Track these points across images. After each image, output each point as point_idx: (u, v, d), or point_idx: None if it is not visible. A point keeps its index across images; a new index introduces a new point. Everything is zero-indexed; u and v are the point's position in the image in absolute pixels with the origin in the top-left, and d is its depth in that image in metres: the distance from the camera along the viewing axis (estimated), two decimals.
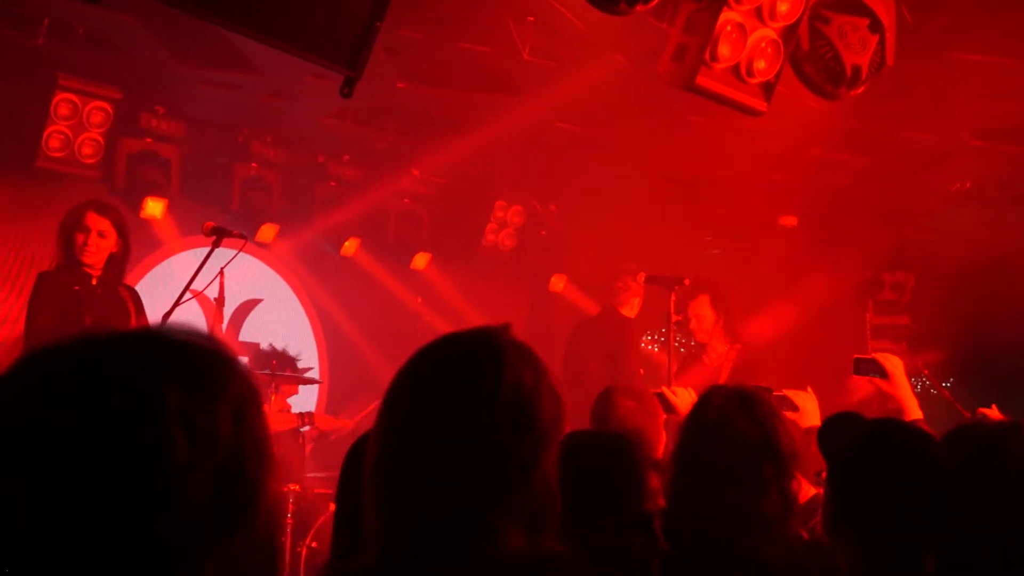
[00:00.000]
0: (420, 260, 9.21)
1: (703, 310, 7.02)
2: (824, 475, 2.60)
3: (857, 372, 4.47)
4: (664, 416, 4.30)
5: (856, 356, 4.54)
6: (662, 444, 4.09)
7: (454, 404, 1.75)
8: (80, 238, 5.69)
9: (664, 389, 4.84)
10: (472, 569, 1.69)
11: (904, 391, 4.31)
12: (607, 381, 6.13)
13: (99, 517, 1.14)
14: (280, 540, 6.37)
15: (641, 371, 7.74)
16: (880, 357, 4.43)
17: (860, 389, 6.42)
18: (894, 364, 4.37)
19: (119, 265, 5.90)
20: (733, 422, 2.84)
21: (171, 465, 1.16)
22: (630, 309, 7.87)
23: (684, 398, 4.75)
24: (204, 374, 1.23)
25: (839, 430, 2.56)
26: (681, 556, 2.68)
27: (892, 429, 2.77)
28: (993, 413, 4.46)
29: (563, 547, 1.76)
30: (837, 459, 2.58)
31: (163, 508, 1.16)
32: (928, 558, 2.45)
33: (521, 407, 1.75)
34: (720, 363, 7.02)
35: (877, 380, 4.38)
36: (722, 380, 6.86)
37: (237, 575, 1.24)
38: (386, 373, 1.94)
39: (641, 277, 7.30)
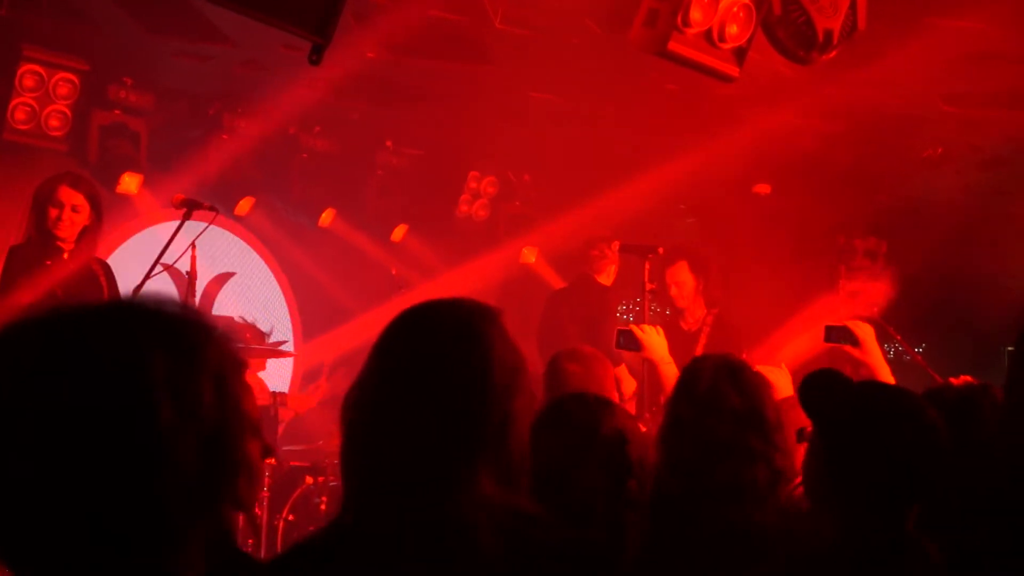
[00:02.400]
0: (397, 232, 9.18)
1: (682, 275, 7.04)
2: (808, 432, 2.59)
3: (829, 340, 4.51)
4: (614, 374, 4.31)
5: (828, 324, 4.57)
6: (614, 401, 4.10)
7: (436, 366, 1.87)
8: (53, 212, 5.62)
9: (632, 327, 4.87)
10: (448, 514, 1.77)
11: (876, 358, 4.34)
12: None
13: (94, 483, 1.16)
14: (257, 508, 6.36)
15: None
16: (851, 325, 4.46)
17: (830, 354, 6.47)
18: (865, 331, 4.40)
19: (91, 239, 5.84)
20: (723, 394, 2.84)
21: (160, 429, 1.17)
22: (606, 277, 7.85)
23: (651, 335, 4.77)
24: (185, 341, 1.24)
25: (824, 388, 2.55)
26: (673, 527, 2.68)
27: (878, 390, 2.78)
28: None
29: (534, 504, 1.83)
30: (820, 419, 2.56)
31: (155, 472, 1.17)
32: (911, 517, 2.46)
33: (501, 370, 1.88)
34: (698, 327, 7.04)
35: (848, 347, 4.41)
36: (700, 345, 6.89)
37: (222, 539, 1.28)
38: (362, 346, 2.05)
39: (615, 245, 7.29)
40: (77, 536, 1.16)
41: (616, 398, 4.13)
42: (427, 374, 1.87)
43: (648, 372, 5.44)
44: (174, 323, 1.25)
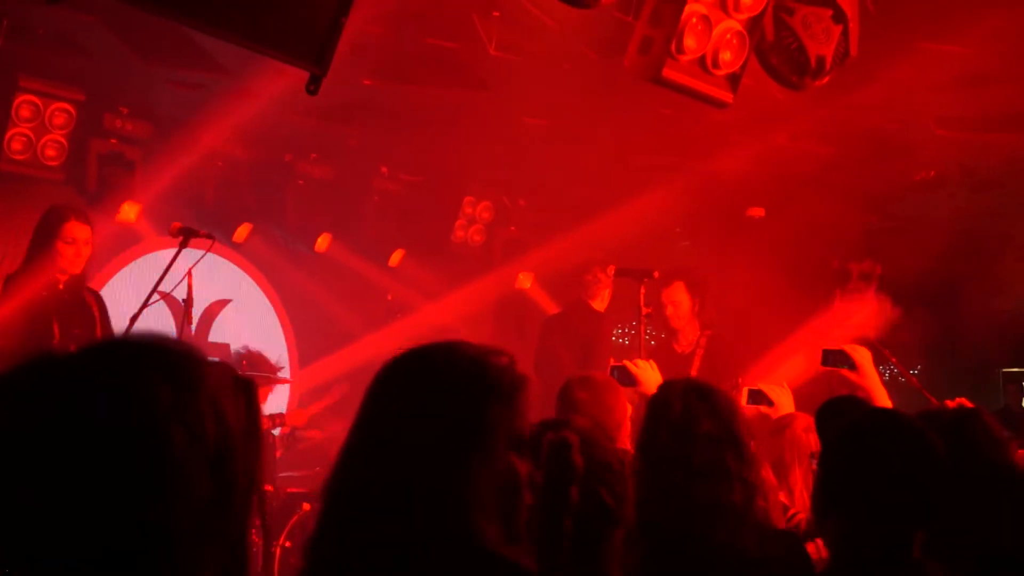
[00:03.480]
0: (395, 257, 9.19)
1: (679, 296, 7.04)
2: (817, 457, 2.62)
3: (826, 363, 4.51)
4: (627, 401, 4.30)
5: (825, 348, 4.57)
6: (625, 429, 4.10)
7: (433, 407, 1.82)
8: (63, 247, 5.67)
9: (626, 362, 4.87)
10: (445, 558, 1.73)
11: (873, 382, 4.35)
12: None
13: (113, 508, 1.19)
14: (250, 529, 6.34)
15: (612, 360, 7.72)
16: (849, 349, 4.47)
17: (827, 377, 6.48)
18: (862, 355, 4.41)
19: (87, 269, 5.87)
20: (696, 418, 2.87)
21: (174, 459, 1.22)
22: (600, 302, 7.86)
23: (646, 371, 4.78)
24: (185, 372, 1.29)
25: (839, 414, 2.58)
26: (657, 549, 2.69)
27: (887, 416, 2.79)
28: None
29: (527, 551, 1.81)
30: (832, 442, 2.59)
31: (172, 501, 1.22)
32: (916, 542, 2.47)
33: (484, 412, 1.83)
34: (691, 349, 7.04)
35: (846, 371, 4.42)
36: (694, 366, 6.90)
37: (227, 559, 1.30)
38: (358, 370, 2.03)
39: (611, 270, 7.31)
40: (96, 563, 1.19)
41: (628, 426, 4.13)
42: (423, 431, 1.81)
43: (642, 407, 5.44)
44: (173, 354, 1.31)
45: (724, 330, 7.26)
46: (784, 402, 4.70)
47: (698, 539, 2.73)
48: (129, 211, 7.43)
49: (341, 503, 1.82)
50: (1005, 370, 10.68)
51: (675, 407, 2.91)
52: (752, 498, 2.80)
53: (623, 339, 9.82)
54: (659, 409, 2.97)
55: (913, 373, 7.42)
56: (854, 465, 2.54)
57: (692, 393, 2.93)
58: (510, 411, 1.89)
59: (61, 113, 7.00)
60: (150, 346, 1.32)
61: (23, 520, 1.19)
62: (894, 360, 6.93)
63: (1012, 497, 2.78)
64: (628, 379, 4.74)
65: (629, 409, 5.57)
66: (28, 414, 1.22)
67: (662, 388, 3.08)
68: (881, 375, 4.74)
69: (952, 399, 4.48)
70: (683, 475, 2.79)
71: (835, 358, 4.46)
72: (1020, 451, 3.53)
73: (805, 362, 5.83)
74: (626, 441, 3.96)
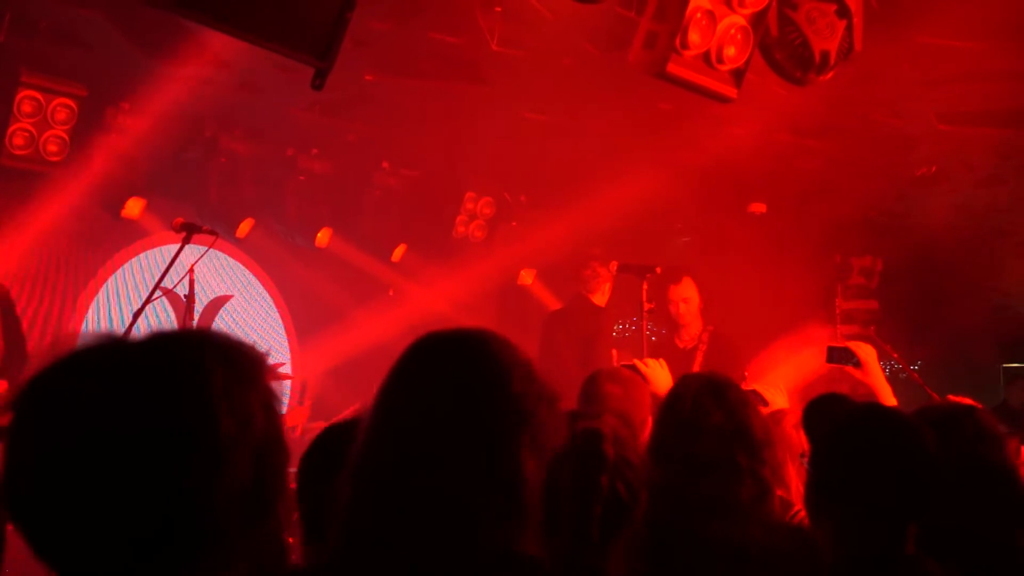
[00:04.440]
0: (397, 252, 9.19)
1: (688, 292, 7.01)
2: (807, 456, 2.62)
3: (831, 360, 4.51)
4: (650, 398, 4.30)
5: (830, 345, 4.58)
6: (648, 425, 4.10)
7: (448, 402, 1.75)
8: None
9: (636, 361, 4.86)
10: (455, 565, 1.68)
11: (877, 379, 4.35)
12: (581, 371, 6.12)
13: (159, 485, 1.23)
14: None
15: (615, 352, 7.71)
16: (853, 345, 4.48)
17: (830, 375, 6.50)
18: (867, 352, 4.41)
19: None
20: (707, 413, 2.86)
21: (221, 437, 1.27)
22: (600, 296, 7.84)
23: (656, 370, 4.77)
24: (241, 363, 1.35)
25: (825, 412, 2.58)
26: (661, 544, 2.69)
27: (877, 412, 2.80)
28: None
29: (540, 549, 1.74)
30: (822, 441, 2.60)
31: (216, 476, 1.26)
32: (910, 538, 2.48)
33: (514, 406, 1.75)
34: (693, 344, 7.04)
35: (850, 368, 4.43)
36: (696, 361, 6.89)
37: (263, 556, 1.33)
38: (359, 365, 1.95)
39: (613, 265, 7.30)
40: (137, 539, 1.23)
41: (650, 423, 4.13)
42: (438, 413, 1.74)
43: (653, 407, 5.43)
44: (234, 347, 1.37)
45: (726, 325, 7.26)
46: (779, 402, 4.70)
47: (704, 534, 2.73)
48: (134, 206, 7.44)
49: (382, 490, 1.74)
50: (1005, 365, 10.70)
51: (686, 401, 2.91)
52: (763, 494, 2.80)
53: (625, 334, 9.82)
54: (671, 404, 2.97)
55: (914, 368, 7.42)
56: (844, 463, 2.54)
57: (706, 389, 2.93)
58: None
59: (63, 108, 6.99)
60: (210, 336, 1.38)
61: (71, 492, 1.22)
62: (896, 356, 6.95)
63: (1002, 493, 2.79)
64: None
65: None
66: (90, 392, 1.26)
67: (679, 383, 3.07)
68: (883, 370, 4.74)
69: (952, 395, 4.49)
70: (692, 470, 2.79)
71: (840, 355, 4.46)
72: (1021, 447, 3.54)
73: (810, 360, 5.83)
74: (648, 438, 3.96)
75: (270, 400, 1.36)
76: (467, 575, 1.68)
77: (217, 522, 1.26)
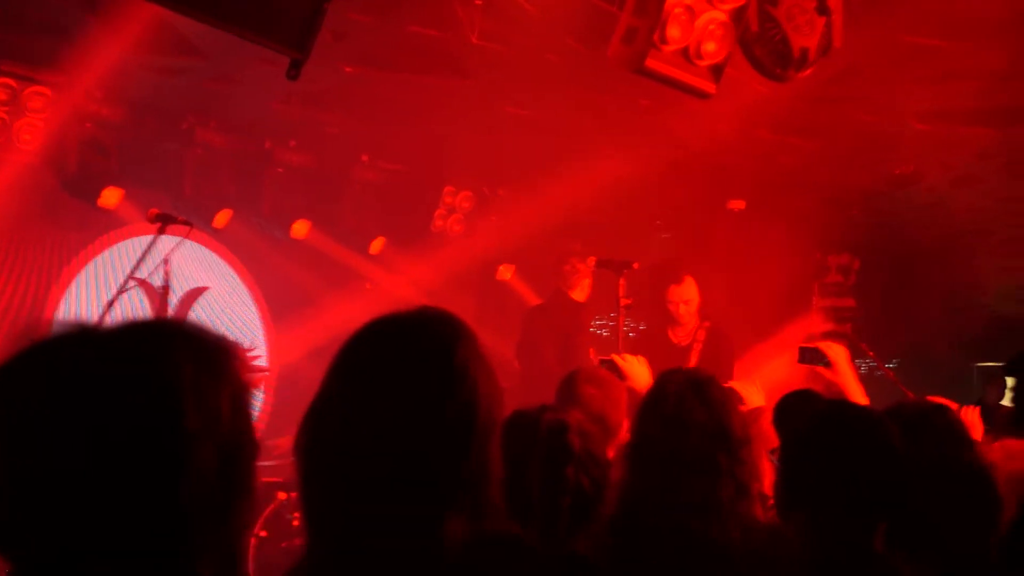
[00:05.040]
0: (375, 245, 9.16)
1: (691, 292, 7.00)
2: (777, 453, 2.62)
3: (802, 361, 4.53)
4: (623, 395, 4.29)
5: (801, 345, 4.60)
6: (625, 427, 4.08)
7: (399, 386, 1.70)
8: None
9: (614, 357, 4.85)
10: (414, 558, 1.65)
11: (848, 379, 4.37)
12: (561, 367, 6.10)
13: (122, 479, 1.21)
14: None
15: (592, 351, 7.69)
16: (823, 346, 4.49)
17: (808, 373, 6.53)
18: (837, 353, 4.43)
19: None
20: (690, 410, 2.84)
21: (185, 431, 1.24)
22: (580, 292, 7.83)
23: (634, 365, 4.76)
24: (211, 356, 1.33)
25: (794, 409, 2.58)
26: (638, 543, 2.68)
27: (844, 409, 2.80)
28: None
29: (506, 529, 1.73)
30: (791, 437, 2.59)
31: (179, 471, 1.23)
32: (879, 534, 2.48)
33: (468, 391, 1.71)
34: (689, 341, 7.03)
35: (821, 368, 4.44)
36: (693, 358, 6.90)
37: (231, 553, 1.32)
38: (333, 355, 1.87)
39: (591, 261, 7.29)
40: (95, 536, 1.21)
41: (627, 424, 4.11)
42: (397, 398, 1.69)
43: (631, 402, 5.42)
44: (203, 340, 1.34)
45: (720, 322, 7.25)
46: (755, 400, 4.71)
47: (683, 533, 2.72)
48: (110, 196, 7.38)
49: (336, 475, 1.70)
50: (980, 364, 10.76)
51: (670, 399, 2.89)
52: (741, 494, 2.79)
53: (603, 331, 9.82)
54: (654, 400, 2.94)
55: (890, 367, 7.45)
56: (812, 460, 2.55)
57: (688, 385, 2.91)
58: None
59: (37, 96, 6.92)
60: (181, 327, 1.36)
61: (29, 481, 1.21)
62: (871, 354, 6.97)
63: (972, 492, 2.81)
64: (615, 374, 4.72)
65: None
66: (57, 382, 1.24)
67: (660, 379, 3.04)
68: (857, 368, 4.75)
69: (927, 394, 4.51)
70: (673, 469, 2.78)
71: (811, 355, 4.49)
72: (996, 444, 3.55)
73: (787, 361, 5.85)
74: (626, 438, 3.94)
75: (240, 393, 1.33)
76: (447, 559, 1.65)
77: (180, 520, 1.24)
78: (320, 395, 1.76)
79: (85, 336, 1.30)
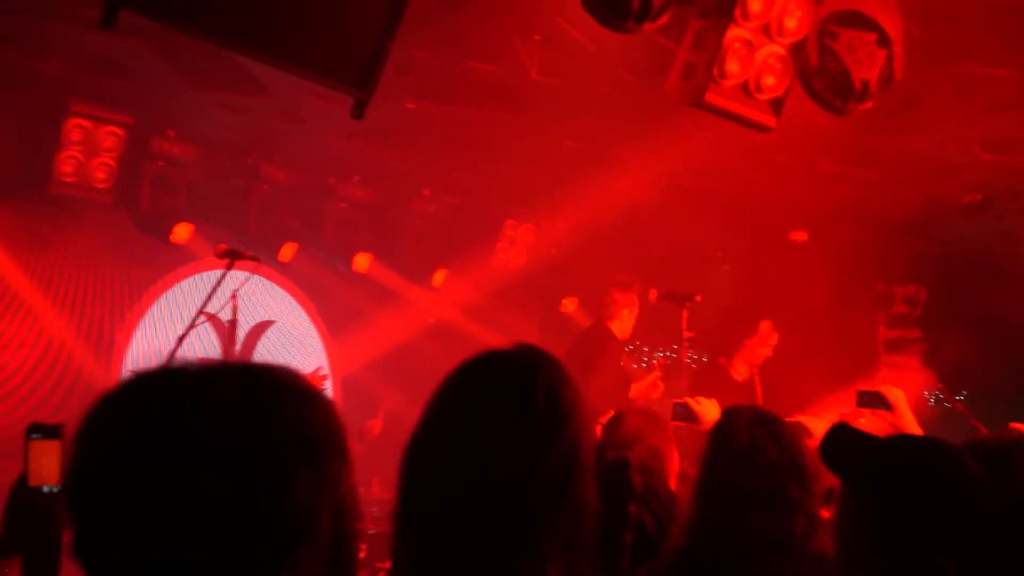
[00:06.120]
0: (438, 277, 9.25)
1: (773, 337, 7.02)
2: (836, 491, 2.56)
3: (860, 404, 4.45)
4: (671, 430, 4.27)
5: (859, 389, 4.52)
6: (674, 469, 4.06)
7: (497, 425, 1.69)
8: None
9: (688, 400, 4.83)
10: None
11: (908, 421, 4.28)
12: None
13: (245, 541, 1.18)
14: None
15: (633, 387, 7.54)
16: (883, 389, 4.41)
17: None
18: (897, 396, 4.34)
19: None
20: (762, 448, 2.83)
21: (303, 500, 1.22)
22: (619, 324, 7.70)
23: (708, 408, 4.73)
24: (337, 427, 1.33)
25: (846, 444, 2.51)
26: None
27: (918, 441, 2.72)
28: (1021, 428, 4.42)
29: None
30: (854, 474, 2.52)
31: (302, 537, 1.22)
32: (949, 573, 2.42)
33: (572, 431, 1.71)
34: (747, 376, 6.99)
35: (881, 412, 4.36)
36: (756, 394, 6.86)
37: None
38: (397, 390, 1.89)
39: (652, 293, 7.27)
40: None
41: (676, 461, 4.09)
42: (502, 436, 1.68)
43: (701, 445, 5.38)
44: (329, 407, 1.35)
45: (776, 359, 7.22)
46: (821, 432, 4.63)
47: (759, 569, 2.69)
48: (182, 232, 7.56)
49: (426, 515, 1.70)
50: None
51: (740, 436, 2.88)
52: (813, 529, 2.77)
53: (652, 361, 9.76)
54: (722, 437, 2.93)
55: (959, 399, 7.31)
56: (887, 500, 2.46)
57: (757, 422, 2.89)
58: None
59: (111, 136, 7.12)
60: (322, 396, 1.36)
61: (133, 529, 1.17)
62: (940, 386, 6.85)
63: None
64: (690, 416, 4.69)
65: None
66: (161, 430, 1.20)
67: (726, 415, 3.03)
68: (927, 401, 4.67)
69: (998, 426, 4.41)
70: (744, 505, 2.76)
71: (869, 399, 4.40)
72: None
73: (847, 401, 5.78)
74: (674, 481, 3.92)
75: (345, 459, 1.32)
76: None
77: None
78: (420, 430, 1.75)
79: (214, 389, 1.25)
